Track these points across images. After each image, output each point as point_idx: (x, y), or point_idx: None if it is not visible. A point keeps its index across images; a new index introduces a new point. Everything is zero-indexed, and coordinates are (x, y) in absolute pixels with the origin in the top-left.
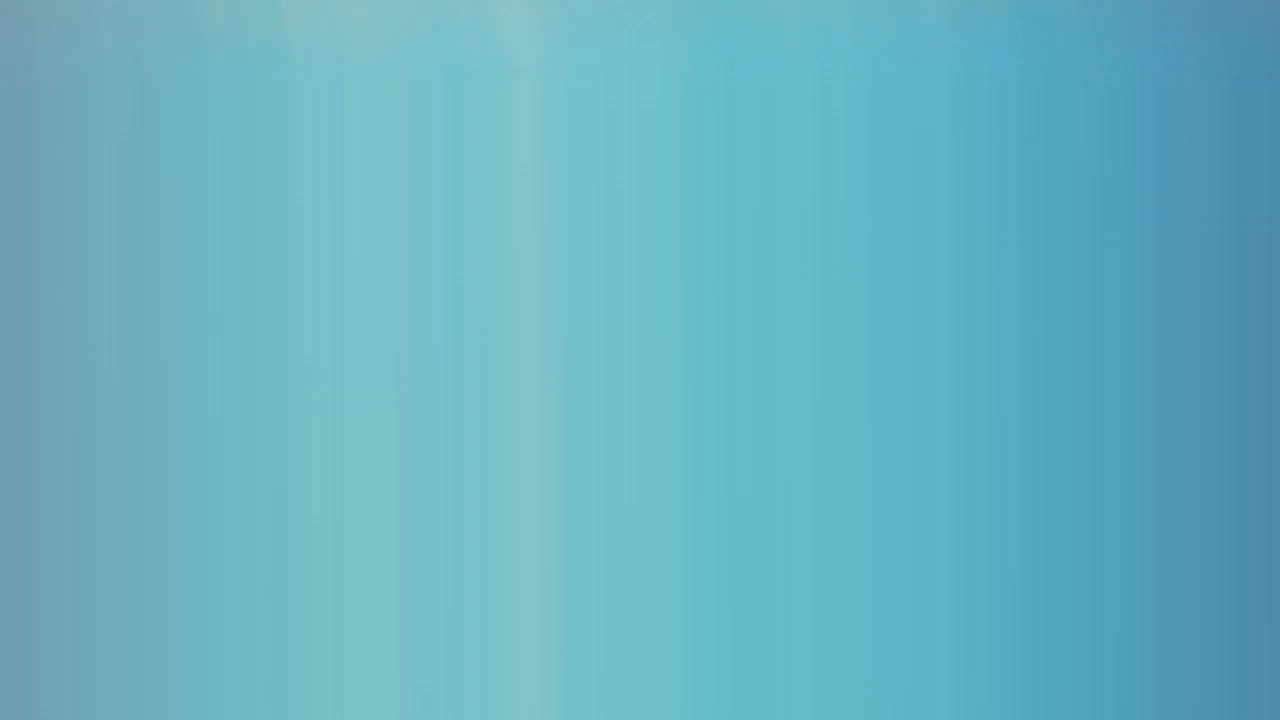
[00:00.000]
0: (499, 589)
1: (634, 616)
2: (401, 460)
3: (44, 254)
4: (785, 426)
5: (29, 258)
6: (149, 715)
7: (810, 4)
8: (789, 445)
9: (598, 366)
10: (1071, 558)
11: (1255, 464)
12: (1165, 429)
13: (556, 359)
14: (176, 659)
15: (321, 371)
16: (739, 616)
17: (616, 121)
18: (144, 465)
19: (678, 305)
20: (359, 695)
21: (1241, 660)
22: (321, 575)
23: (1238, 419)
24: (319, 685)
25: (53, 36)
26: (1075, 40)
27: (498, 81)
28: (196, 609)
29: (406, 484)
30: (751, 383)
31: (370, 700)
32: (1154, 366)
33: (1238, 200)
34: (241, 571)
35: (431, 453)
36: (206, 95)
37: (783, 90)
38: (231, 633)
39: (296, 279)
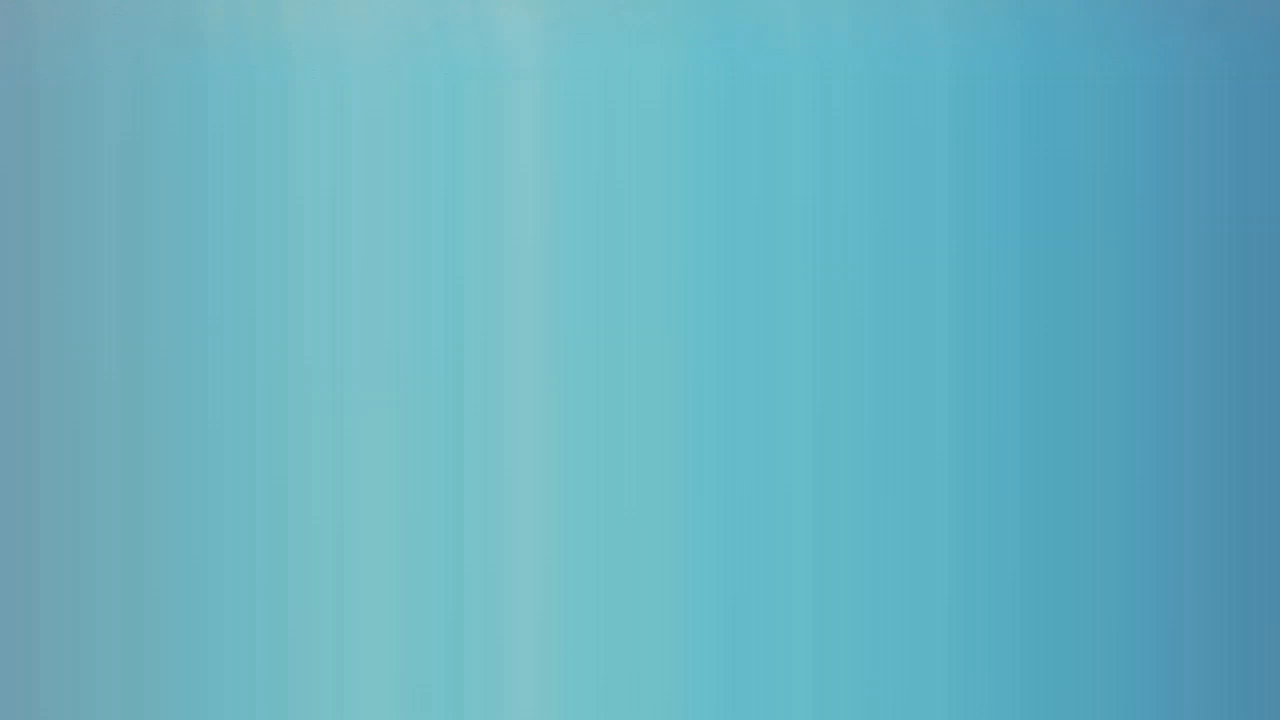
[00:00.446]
0: (499, 589)
1: (634, 617)
2: (402, 460)
3: (44, 254)
4: (785, 426)
5: (29, 258)
6: (149, 715)
7: (810, 4)
8: (789, 444)
9: (598, 365)
10: (1072, 558)
11: (1255, 464)
12: (1165, 429)
13: (557, 358)
14: (176, 659)
15: (321, 371)
16: (739, 616)
17: (616, 121)
18: (144, 465)
19: (678, 305)
20: (359, 695)
21: (1241, 660)
22: (321, 575)
23: (1238, 419)
24: (319, 685)
25: (53, 36)
26: (1075, 40)
27: (498, 81)
28: (196, 609)
29: (407, 483)
30: (752, 382)
31: (370, 700)
32: (1154, 366)
33: (1238, 200)
34: (241, 571)
35: (432, 452)
36: (206, 95)
37: (783, 90)
38: (231, 633)
39: (296, 279)
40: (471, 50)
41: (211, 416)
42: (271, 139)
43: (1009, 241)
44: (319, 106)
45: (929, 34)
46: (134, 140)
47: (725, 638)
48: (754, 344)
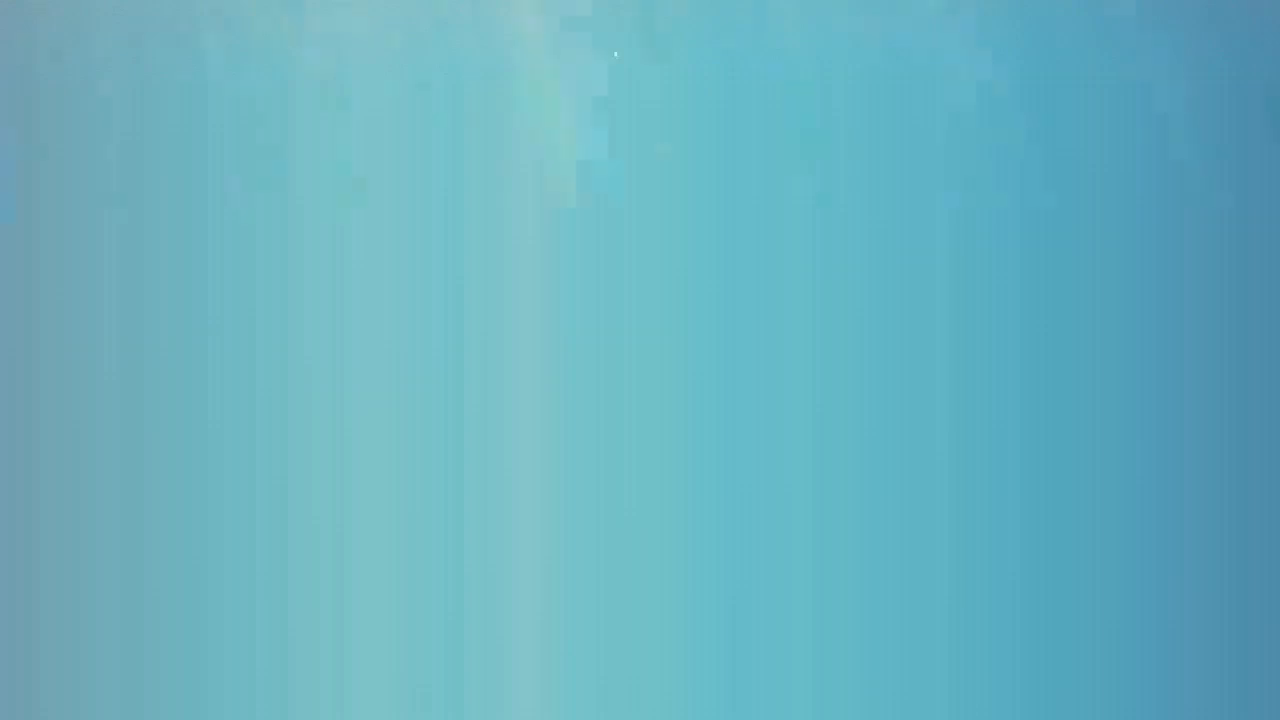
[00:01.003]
0: (499, 590)
1: (634, 618)
2: (402, 461)
3: (44, 254)
4: (785, 428)
5: (29, 258)
6: (149, 715)
7: (810, 4)
8: (789, 446)
9: (598, 367)
10: (1071, 559)
11: (1256, 464)
12: (1165, 428)
13: (557, 359)
14: (176, 659)
15: (322, 372)
16: (739, 617)
17: (617, 121)
18: (144, 465)
19: (678, 305)
20: (359, 695)
21: (1241, 660)
22: (321, 575)
23: (1238, 419)
24: (319, 685)
25: (53, 36)
26: (1075, 40)
27: (498, 81)
28: (196, 609)
29: (406, 484)
30: (751, 383)
31: (370, 700)
32: (1154, 366)
33: (1238, 200)
34: (241, 571)
35: (432, 454)
36: (206, 95)
37: (783, 90)
38: (231, 633)
39: (297, 279)
40: (471, 50)
41: (212, 416)
42: (271, 139)
43: (1009, 241)
44: (319, 106)
45: (929, 34)
46: (134, 140)
47: (725, 640)
48: (754, 343)
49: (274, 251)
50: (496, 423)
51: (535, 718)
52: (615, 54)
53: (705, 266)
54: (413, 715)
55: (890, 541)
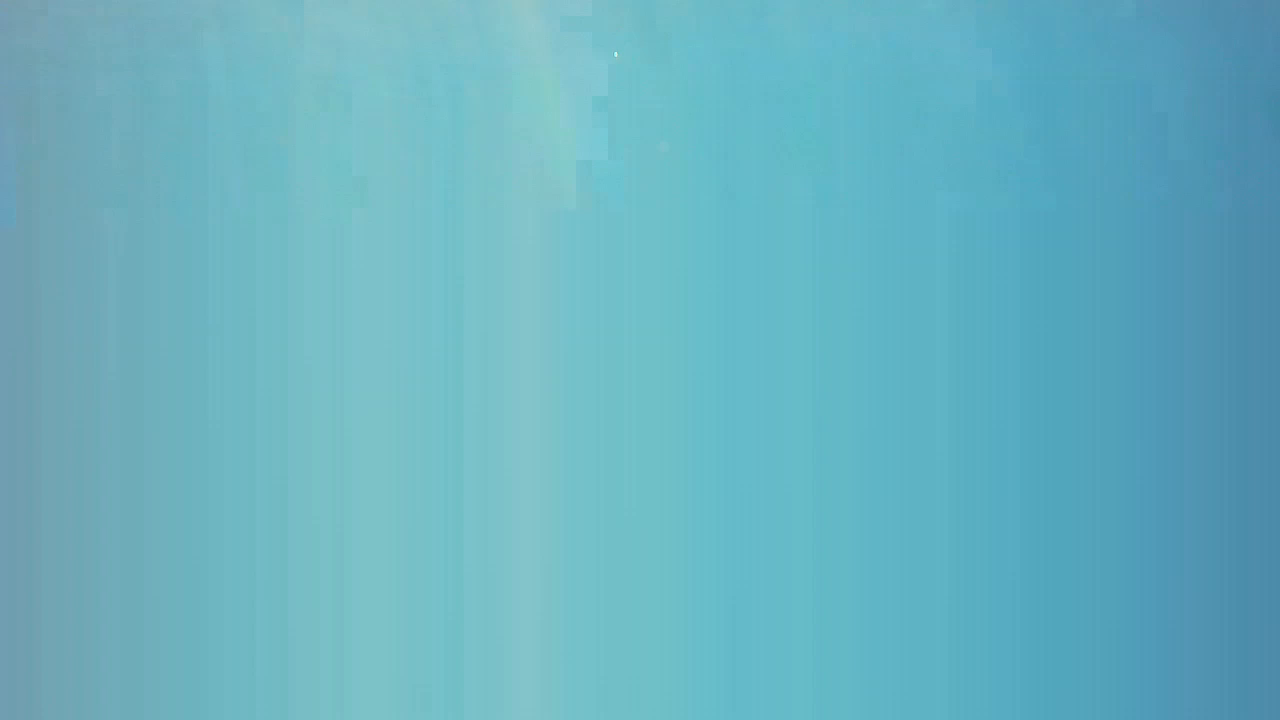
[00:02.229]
0: (498, 587)
1: (633, 615)
2: (402, 459)
3: (44, 254)
4: (785, 426)
5: (29, 258)
6: (149, 715)
7: (810, 4)
8: (788, 445)
9: (598, 365)
10: (1070, 556)
11: (1255, 462)
12: (1164, 426)
13: (556, 358)
14: (176, 659)
15: (322, 371)
16: (739, 615)
17: (617, 122)
18: (145, 463)
19: (678, 304)
20: (359, 694)
21: (1241, 658)
22: (321, 570)
23: (1237, 417)
24: (318, 682)
25: (53, 36)
26: (1075, 40)
27: (498, 81)
28: (197, 606)
29: (406, 482)
30: (751, 382)
31: (370, 698)
32: (1153, 364)
33: (1237, 200)
34: (241, 567)
35: (431, 451)
36: (207, 95)
37: (783, 90)
38: (231, 630)
39: (297, 278)
40: (471, 50)
41: (212, 415)
42: (271, 140)
43: (1009, 241)
44: (319, 106)
45: (929, 34)
46: (134, 140)
47: (726, 638)
48: (754, 342)
49: (274, 251)
50: (496, 420)
51: (535, 716)
52: (615, 54)
53: (705, 266)
54: (412, 714)
55: (890, 539)
